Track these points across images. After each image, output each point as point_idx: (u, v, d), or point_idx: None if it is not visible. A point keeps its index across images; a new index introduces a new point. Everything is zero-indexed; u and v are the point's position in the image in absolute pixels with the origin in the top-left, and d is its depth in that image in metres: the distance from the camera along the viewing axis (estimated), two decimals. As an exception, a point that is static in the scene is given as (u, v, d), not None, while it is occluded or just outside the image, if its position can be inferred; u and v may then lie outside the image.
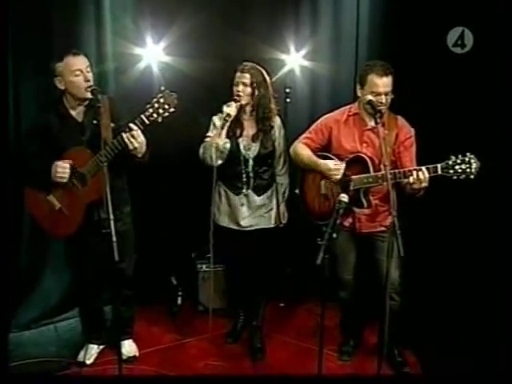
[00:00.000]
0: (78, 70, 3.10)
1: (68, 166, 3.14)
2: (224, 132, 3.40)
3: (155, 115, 3.00)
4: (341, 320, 3.75)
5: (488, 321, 3.56)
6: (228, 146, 3.43)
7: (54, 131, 3.20)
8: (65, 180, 3.15)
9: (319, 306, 3.08)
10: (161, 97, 2.99)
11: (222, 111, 3.45)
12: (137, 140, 3.03)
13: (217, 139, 3.39)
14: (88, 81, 3.12)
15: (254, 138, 3.50)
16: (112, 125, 3.15)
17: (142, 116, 3.01)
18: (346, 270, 3.51)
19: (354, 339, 3.70)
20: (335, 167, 3.30)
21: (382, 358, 3.13)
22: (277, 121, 3.56)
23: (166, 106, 2.99)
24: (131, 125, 3.01)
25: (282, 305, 4.32)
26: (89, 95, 3.10)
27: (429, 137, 3.35)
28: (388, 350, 3.43)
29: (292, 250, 4.29)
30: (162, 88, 3.76)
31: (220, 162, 3.42)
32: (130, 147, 3.04)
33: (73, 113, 3.22)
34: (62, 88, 3.16)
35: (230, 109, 3.37)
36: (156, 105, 2.99)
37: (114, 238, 2.68)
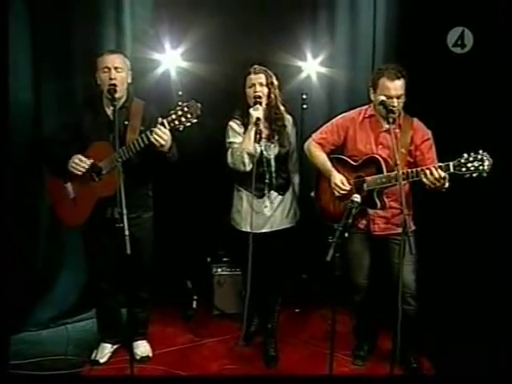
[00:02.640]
0: (106, 68, 3.18)
1: (88, 161, 3.21)
2: (253, 136, 3.38)
3: (177, 122, 3.01)
4: (355, 324, 3.72)
5: (503, 322, 3.51)
6: (258, 149, 3.42)
7: (87, 125, 3.29)
8: (79, 173, 3.22)
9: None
10: (186, 105, 2.99)
11: (240, 116, 3.50)
12: (163, 138, 3.03)
13: (247, 144, 3.39)
14: (111, 79, 3.17)
15: (270, 138, 3.51)
16: (141, 128, 3.21)
17: (164, 120, 3.03)
18: (360, 274, 3.48)
19: (368, 344, 3.66)
20: (342, 186, 3.31)
21: (394, 363, 3.10)
22: (289, 119, 3.59)
23: (189, 116, 2.99)
24: (164, 121, 3.02)
25: (297, 310, 4.31)
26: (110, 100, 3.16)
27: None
28: (403, 356, 3.40)
29: (308, 256, 4.28)
30: (180, 93, 3.86)
31: (251, 166, 3.42)
32: (157, 144, 3.05)
33: (108, 111, 3.29)
34: (99, 83, 3.25)
35: (259, 112, 3.35)
36: (180, 112, 3.00)
37: (127, 232, 2.73)
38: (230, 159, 3.47)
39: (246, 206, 3.56)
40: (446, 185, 3.00)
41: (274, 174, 3.53)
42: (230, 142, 3.50)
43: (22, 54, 3.78)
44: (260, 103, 3.39)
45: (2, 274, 3.12)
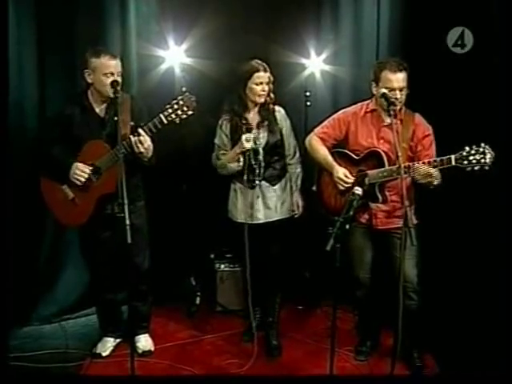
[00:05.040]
0: (110, 73, 3.20)
1: (88, 169, 3.25)
2: (238, 158, 3.49)
3: (174, 116, 3.09)
4: (357, 320, 3.73)
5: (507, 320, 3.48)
6: (241, 164, 3.51)
7: (77, 123, 3.31)
8: (80, 182, 3.27)
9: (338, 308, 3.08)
10: (181, 99, 3.08)
11: (231, 111, 3.56)
12: (143, 145, 3.13)
13: (231, 162, 3.52)
14: (117, 84, 3.20)
15: (259, 126, 3.54)
16: (131, 123, 3.25)
17: (161, 115, 3.11)
18: (362, 269, 3.47)
19: (371, 340, 3.65)
20: (345, 179, 3.31)
21: (395, 358, 3.08)
22: (280, 110, 3.61)
23: (185, 109, 3.07)
24: (140, 130, 3.12)
25: (300, 307, 4.30)
26: (113, 95, 3.19)
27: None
28: (406, 352, 3.40)
29: (310, 254, 4.27)
30: (184, 89, 3.89)
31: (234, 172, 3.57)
32: (136, 151, 3.14)
33: (96, 107, 3.33)
34: (90, 82, 3.26)
35: (250, 143, 3.41)
36: (175, 106, 3.08)
37: (128, 222, 2.76)
38: (213, 162, 3.65)
39: (240, 198, 3.61)
40: (435, 182, 3.01)
41: (262, 164, 3.54)
42: (215, 144, 3.63)
43: (27, 52, 3.82)
44: (250, 130, 3.45)
45: (6, 270, 3.15)
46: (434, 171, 2.96)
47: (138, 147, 3.12)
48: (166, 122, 3.11)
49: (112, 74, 3.20)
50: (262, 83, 3.46)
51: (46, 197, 3.47)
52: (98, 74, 3.21)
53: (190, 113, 3.08)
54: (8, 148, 3.24)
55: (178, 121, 3.10)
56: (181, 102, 3.08)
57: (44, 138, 3.40)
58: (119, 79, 3.22)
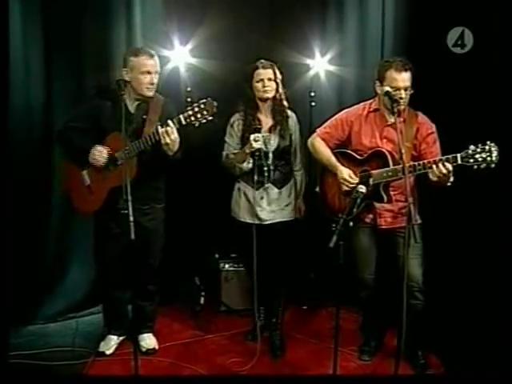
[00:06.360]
0: (147, 72, 3.25)
1: (106, 151, 3.28)
2: (247, 158, 3.50)
3: (193, 118, 3.10)
4: (362, 320, 3.72)
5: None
6: (250, 165, 3.53)
7: (107, 115, 3.33)
8: (99, 164, 3.29)
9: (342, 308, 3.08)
10: (202, 103, 3.09)
11: (242, 111, 3.58)
12: (170, 137, 3.12)
13: (240, 161, 3.53)
14: (152, 84, 3.28)
15: (271, 130, 3.56)
16: (158, 123, 3.26)
17: (181, 116, 3.12)
18: (366, 270, 3.47)
19: (375, 340, 3.64)
20: (350, 180, 3.30)
21: (399, 357, 3.06)
22: (292, 115, 3.62)
23: (205, 113, 3.08)
24: (169, 121, 3.12)
25: (304, 307, 4.30)
26: (149, 93, 3.27)
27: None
28: (411, 352, 3.40)
29: (315, 255, 4.26)
30: (189, 89, 3.92)
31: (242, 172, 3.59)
32: (163, 142, 3.14)
33: (128, 104, 3.34)
34: (127, 80, 3.29)
35: (260, 143, 3.41)
36: (196, 109, 3.09)
37: (131, 218, 2.78)
38: (223, 160, 3.66)
39: (244, 198, 3.63)
40: (451, 179, 2.98)
41: (271, 167, 3.56)
42: (226, 142, 3.65)
43: (33, 51, 3.85)
44: (259, 130, 3.44)
45: (7, 268, 3.16)
46: (451, 168, 2.92)
47: (164, 137, 3.12)
48: (184, 123, 3.12)
49: (149, 72, 3.25)
50: (262, 80, 3.48)
51: (66, 182, 3.54)
52: (136, 73, 3.26)
53: (209, 118, 3.09)
54: (8, 148, 3.24)
55: (196, 124, 3.11)
56: (202, 106, 3.08)
57: (72, 125, 3.41)
58: (155, 79, 3.28)
